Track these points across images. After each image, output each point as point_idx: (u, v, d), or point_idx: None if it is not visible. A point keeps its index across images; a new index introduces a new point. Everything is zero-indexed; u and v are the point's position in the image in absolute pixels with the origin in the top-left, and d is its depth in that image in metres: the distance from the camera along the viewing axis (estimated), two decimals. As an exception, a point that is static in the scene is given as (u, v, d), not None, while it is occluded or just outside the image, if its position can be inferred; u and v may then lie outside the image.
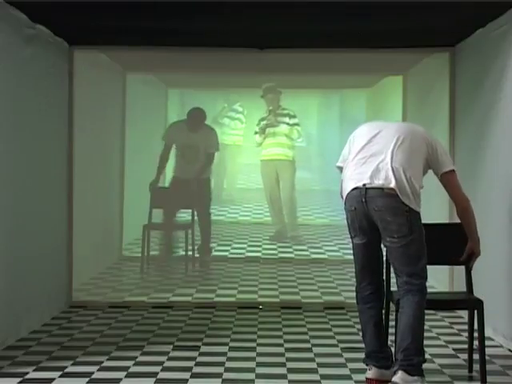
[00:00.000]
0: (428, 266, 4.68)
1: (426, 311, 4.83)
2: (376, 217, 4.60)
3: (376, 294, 4.77)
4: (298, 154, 11.92)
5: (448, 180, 4.77)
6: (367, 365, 4.80)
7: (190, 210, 9.39)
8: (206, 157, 9.45)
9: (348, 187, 4.69)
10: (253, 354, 5.58)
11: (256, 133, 11.28)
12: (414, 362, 4.49)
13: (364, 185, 4.61)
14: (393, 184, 4.53)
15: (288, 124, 11.18)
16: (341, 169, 4.88)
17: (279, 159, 11.17)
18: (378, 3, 5.48)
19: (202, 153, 9.43)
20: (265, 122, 11.15)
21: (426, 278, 4.68)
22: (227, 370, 5.16)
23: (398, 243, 4.59)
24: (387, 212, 4.56)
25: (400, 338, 4.55)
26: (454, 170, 4.78)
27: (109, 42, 7.21)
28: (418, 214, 4.61)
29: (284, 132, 11.18)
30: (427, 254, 4.66)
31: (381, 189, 4.56)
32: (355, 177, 4.66)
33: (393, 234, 4.58)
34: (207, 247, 9.60)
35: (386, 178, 4.56)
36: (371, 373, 4.76)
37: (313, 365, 5.32)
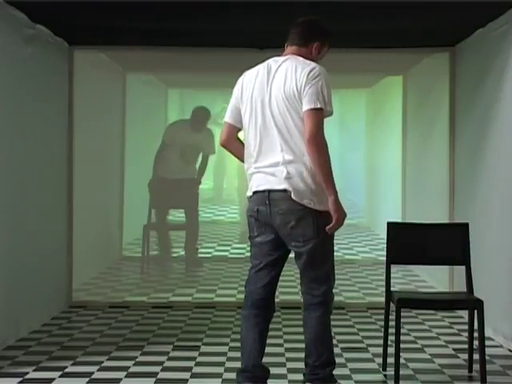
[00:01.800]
0: (428, 266, 4.64)
1: (426, 311, 4.87)
2: (280, 220, 4.37)
3: (268, 301, 4.51)
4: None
5: (307, 117, 4.26)
6: (239, 382, 4.44)
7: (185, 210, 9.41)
8: (203, 158, 9.45)
9: (250, 188, 4.47)
10: (253, 354, 5.57)
11: None
12: (319, 376, 4.46)
13: (266, 189, 4.38)
14: (293, 194, 4.31)
15: None
16: (228, 125, 4.53)
17: None
18: (377, 3, 5.48)
19: (200, 154, 9.42)
20: None
21: (331, 283, 4.47)
22: (227, 370, 5.15)
23: (303, 247, 4.37)
24: (292, 215, 4.34)
25: (306, 353, 4.49)
26: (318, 109, 4.25)
27: (109, 42, 7.21)
28: (326, 213, 4.31)
29: None
30: (427, 254, 4.61)
31: (284, 191, 4.33)
32: (256, 181, 4.42)
33: (298, 238, 4.36)
34: (192, 247, 9.39)
35: (286, 185, 4.32)
36: None
37: (313, 365, 5.32)
